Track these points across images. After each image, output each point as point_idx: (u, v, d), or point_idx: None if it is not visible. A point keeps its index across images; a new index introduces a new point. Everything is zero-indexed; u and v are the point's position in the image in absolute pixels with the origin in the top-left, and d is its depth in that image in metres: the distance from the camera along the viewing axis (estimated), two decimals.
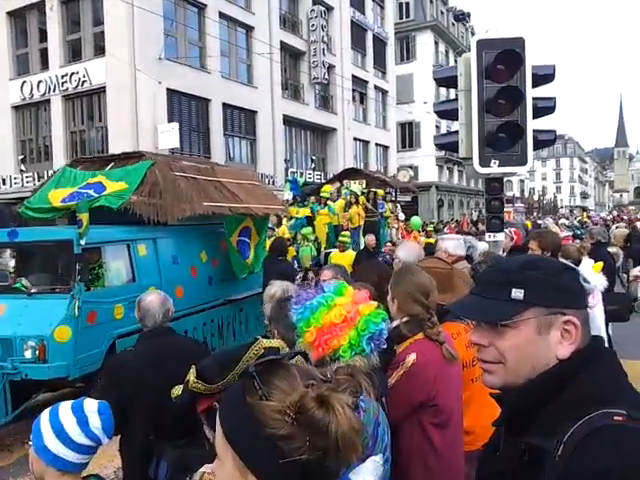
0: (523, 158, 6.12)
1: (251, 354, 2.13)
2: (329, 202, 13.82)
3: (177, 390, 2.28)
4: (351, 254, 10.05)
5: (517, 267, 1.18)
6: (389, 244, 14.30)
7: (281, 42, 25.18)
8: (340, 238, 10.85)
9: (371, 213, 14.66)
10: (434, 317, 2.43)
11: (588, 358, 1.10)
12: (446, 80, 7.41)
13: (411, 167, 37.55)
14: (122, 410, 3.13)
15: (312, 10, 27.17)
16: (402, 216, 17.76)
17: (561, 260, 4.66)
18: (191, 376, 2.01)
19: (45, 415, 1.85)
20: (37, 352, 5.39)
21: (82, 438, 1.80)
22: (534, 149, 6.26)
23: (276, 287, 3.19)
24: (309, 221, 13.36)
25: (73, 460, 1.80)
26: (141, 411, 3.15)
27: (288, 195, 14.70)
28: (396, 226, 16.32)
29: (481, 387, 2.65)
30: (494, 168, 6.09)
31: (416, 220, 16.81)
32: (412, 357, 2.27)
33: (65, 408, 1.85)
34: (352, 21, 30.89)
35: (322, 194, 14.08)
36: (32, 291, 5.87)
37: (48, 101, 20.92)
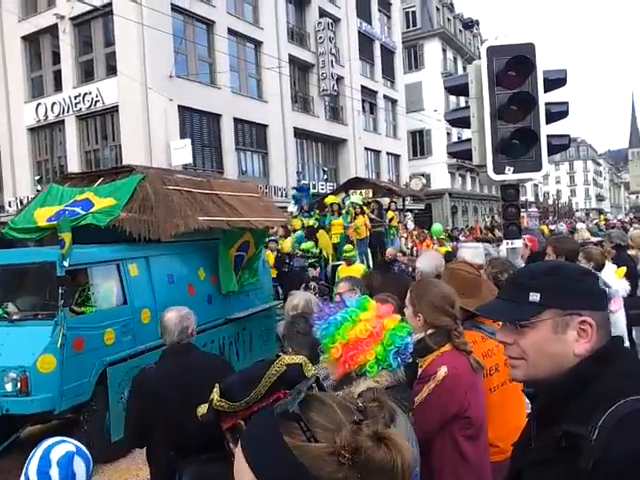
0: (538, 164, 6.07)
1: (273, 371, 2.12)
2: (343, 212, 13.48)
3: (203, 409, 2.27)
4: (359, 267, 9.75)
5: (536, 273, 1.32)
6: (399, 254, 14.26)
7: (290, 55, 25.38)
8: (344, 254, 10.40)
9: (376, 223, 14.33)
10: (460, 327, 2.41)
11: (609, 355, 1.20)
12: (457, 88, 7.40)
13: (423, 175, 37.56)
14: (145, 425, 3.15)
15: (319, 22, 27.38)
16: (411, 225, 17.50)
17: (583, 264, 4.62)
18: (215, 395, 2.01)
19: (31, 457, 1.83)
20: (19, 384, 4.92)
21: None
22: (549, 154, 6.21)
23: (298, 298, 3.16)
24: (310, 234, 12.84)
25: None
26: (162, 427, 3.16)
27: (292, 207, 14.26)
28: (405, 235, 15.99)
29: (499, 397, 2.63)
30: (509, 175, 6.05)
31: (437, 227, 16.40)
32: (443, 370, 2.24)
33: (37, 453, 1.81)
34: (359, 32, 31.06)
35: (333, 202, 13.72)
36: (14, 317, 5.43)
37: (62, 122, 21.25)
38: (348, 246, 10.70)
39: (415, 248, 15.82)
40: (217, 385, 2.07)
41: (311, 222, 13.13)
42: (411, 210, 35.20)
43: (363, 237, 13.23)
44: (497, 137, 5.97)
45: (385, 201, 15.35)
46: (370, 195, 15.79)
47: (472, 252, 4.15)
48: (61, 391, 5.07)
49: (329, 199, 14.10)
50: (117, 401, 5.52)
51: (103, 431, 5.47)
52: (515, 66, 5.72)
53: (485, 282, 3.03)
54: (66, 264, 5.16)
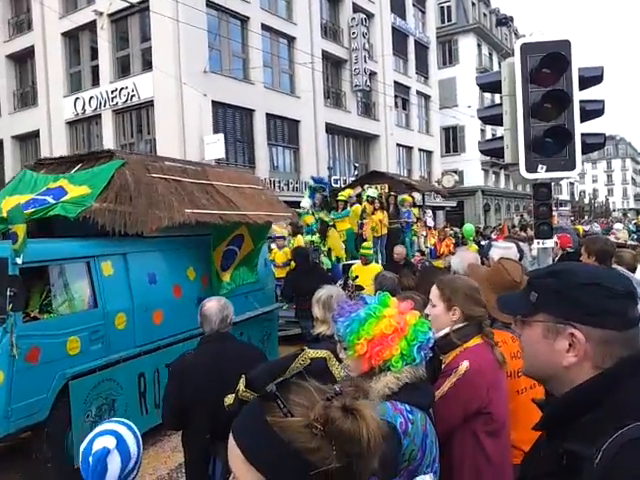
0: (571, 163, 5.96)
1: (297, 364, 2.18)
2: (348, 207, 12.47)
3: (230, 399, 2.35)
4: (376, 267, 8.91)
5: (543, 273, 1.30)
6: (418, 254, 13.23)
7: (323, 51, 25.38)
8: (362, 251, 9.48)
9: (393, 220, 13.38)
10: (487, 320, 2.44)
11: (619, 376, 1.12)
12: (490, 85, 7.30)
13: (456, 172, 37.16)
14: (183, 411, 3.26)
15: (353, 18, 27.30)
16: (431, 222, 16.43)
17: (615, 267, 4.54)
18: (241, 385, 2.08)
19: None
20: None
21: (80, 468, 1.86)
22: (583, 153, 6.08)
23: (322, 292, 3.23)
24: (323, 230, 11.67)
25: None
26: (198, 413, 3.27)
27: (306, 202, 13.04)
28: (424, 233, 15.00)
29: (526, 400, 2.62)
30: (541, 173, 5.95)
31: (469, 228, 15.73)
32: (465, 364, 2.26)
33: (89, 436, 1.91)
34: (393, 27, 30.85)
35: (340, 198, 12.65)
36: None
37: (99, 116, 21.70)
38: (367, 243, 9.86)
39: (435, 247, 15.13)
40: (243, 376, 2.14)
41: (327, 218, 12.13)
42: (442, 207, 34.91)
43: (380, 235, 12.37)
44: (530, 135, 5.88)
45: (407, 199, 14.15)
46: (386, 190, 14.50)
47: (501, 252, 4.11)
48: (7, 411, 4.31)
49: (343, 194, 13.24)
50: (82, 420, 4.80)
51: (63, 455, 4.76)
52: (550, 63, 5.62)
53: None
54: (19, 261, 4.47)
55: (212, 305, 3.43)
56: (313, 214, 12.07)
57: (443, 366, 2.37)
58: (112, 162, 5.96)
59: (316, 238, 10.67)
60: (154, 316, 5.79)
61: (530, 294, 1.25)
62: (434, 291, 2.56)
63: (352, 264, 9.53)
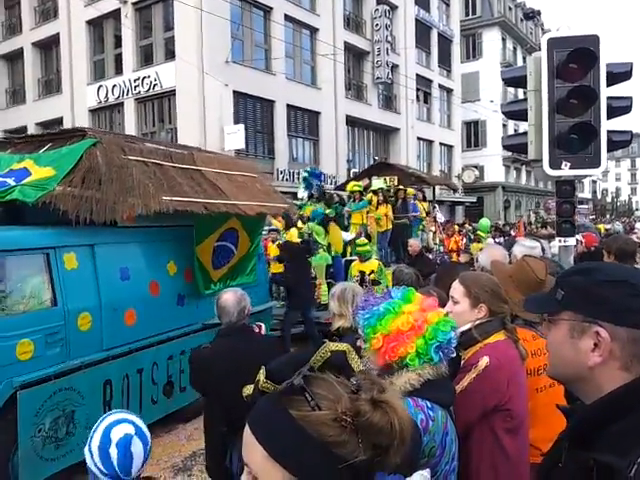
0: (596, 160, 5.88)
1: (318, 357, 2.18)
2: (364, 198, 11.78)
3: (248, 389, 2.36)
4: (374, 263, 8.55)
5: (570, 271, 1.30)
6: (423, 250, 12.43)
7: (345, 42, 25.25)
8: (357, 249, 8.88)
9: (400, 215, 12.61)
10: (508, 316, 2.44)
11: None
12: (515, 80, 7.22)
13: (476, 167, 36.86)
14: (205, 401, 3.32)
15: (376, 10, 27.09)
16: (441, 218, 15.76)
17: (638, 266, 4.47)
18: (261, 376, 2.09)
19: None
20: None
21: (100, 465, 1.82)
22: (608, 151, 5.99)
23: (336, 287, 3.26)
24: (325, 223, 11.06)
25: None
26: (215, 403, 3.31)
27: (302, 193, 12.38)
28: (433, 229, 14.34)
29: (546, 398, 2.61)
30: (565, 170, 5.88)
31: (485, 223, 15.20)
32: (485, 360, 2.25)
33: (99, 429, 1.88)
34: (417, 19, 30.56)
35: (355, 189, 11.96)
36: None
37: (122, 104, 21.88)
38: (361, 239, 9.25)
39: (443, 243, 14.57)
40: (263, 367, 2.15)
41: (328, 211, 11.48)
42: (462, 203, 34.66)
43: (384, 230, 11.71)
44: (555, 131, 5.81)
45: (410, 191, 13.35)
46: (395, 182, 13.84)
47: (521, 249, 4.06)
48: None
49: (351, 185, 12.63)
50: (32, 435, 4.18)
51: (7, 476, 4.24)
52: (577, 59, 5.53)
53: (549, 286, 2.99)
54: None
55: (229, 297, 3.42)
56: (311, 205, 11.63)
57: (463, 362, 2.36)
58: (82, 142, 5.26)
59: (318, 230, 10.05)
60: (125, 316, 5.16)
61: (557, 292, 1.23)
62: (457, 287, 2.52)
63: (354, 260, 9.16)
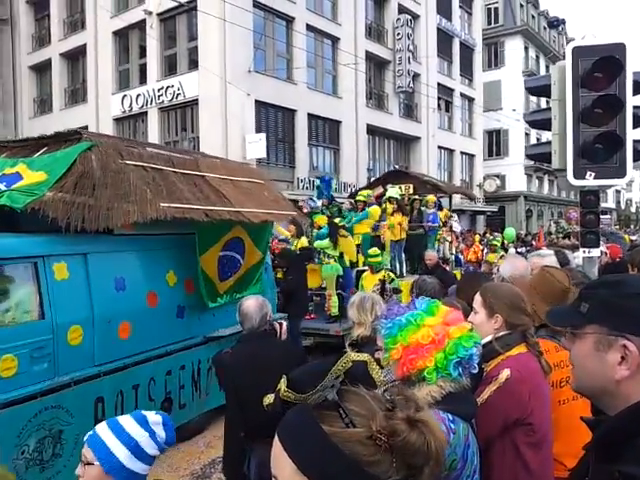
0: (621, 170, 5.80)
1: (339, 366, 2.18)
2: (367, 208, 11.14)
3: (269, 399, 2.37)
4: (383, 274, 8.23)
5: (595, 284, 1.27)
6: (440, 262, 11.58)
7: (366, 52, 25.31)
8: (369, 259, 8.58)
9: (415, 225, 12.14)
10: (532, 328, 2.40)
11: None
12: (538, 89, 7.17)
13: (498, 176, 36.55)
14: (227, 406, 3.35)
15: (398, 19, 27.11)
16: (458, 227, 15.21)
17: None
18: (282, 385, 2.10)
19: (110, 435, 1.84)
20: None
21: (155, 451, 1.84)
22: (634, 160, 5.91)
23: (355, 296, 3.28)
24: (333, 233, 10.61)
25: (143, 473, 1.84)
26: (235, 408, 3.33)
27: (315, 202, 11.70)
28: (449, 239, 13.84)
29: (568, 411, 2.56)
30: (589, 180, 5.81)
31: (510, 232, 14.73)
32: (506, 372, 2.22)
33: (130, 424, 1.86)
34: (438, 28, 30.52)
35: (359, 198, 11.38)
36: None
37: (145, 113, 22.18)
38: (374, 250, 8.77)
39: (461, 254, 14.04)
40: (284, 376, 2.16)
41: (337, 220, 10.83)
42: (483, 212, 34.37)
43: (398, 239, 11.18)
44: (579, 141, 5.74)
45: (430, 199, 12.80)
46: (411, 191, 13.40)
47: (540, 260, 4.01)
48: None
49: (362, 193, 12.04)
50: (14, 457, 3.94)
51: None
52: (602, 67, 5.47)
53: (573, 295, 2.94)
54: None
55: (251, 303, 3.46)
56: (323, 213, 11.12)
57: (484, 374, 2.33)
58: (77, 145, 5.04)
59: (324, 244, 9.55)
60: (120, 329, 4.92)
61: (581, 305, 1.22)
62: (477, 298, 2.52)
63: (365, 270, 8.92)
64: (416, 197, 13.01)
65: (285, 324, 3.67)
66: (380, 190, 13.22)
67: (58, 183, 4.69)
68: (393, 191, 11.89)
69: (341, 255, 9.85)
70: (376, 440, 0.87)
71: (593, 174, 5.76)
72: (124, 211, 4.78)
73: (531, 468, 2.21)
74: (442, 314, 1.85)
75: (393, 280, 8.16)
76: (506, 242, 13.92)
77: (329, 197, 11.76)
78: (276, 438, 0.93)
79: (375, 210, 11.03)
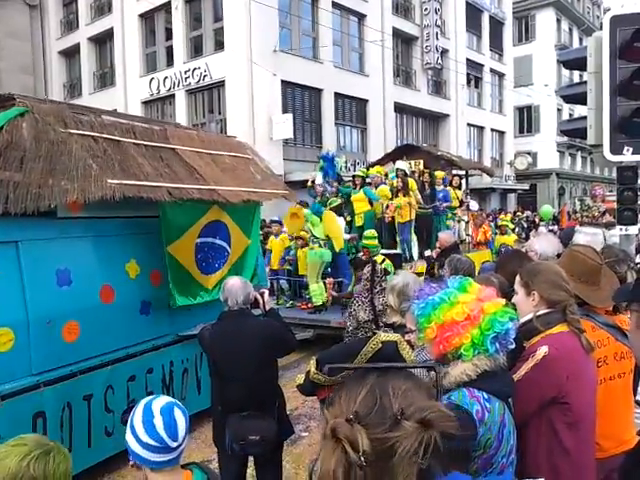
0: None
1: (369, 348, 2.17)
2: (373, 189, 10.24)
3: (300, 379, 2.37)
4: (380, 259, 7.36)
5: None
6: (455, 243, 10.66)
7: (393, 28, 24.89)
8: (364, 241, 7.84)
9: (426, 205, 11.00)
10: (574, 305, 2.33)
11: None
12: (573, 62, 6.96)
13: (529, 153, 35.78)
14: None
15: None
16: (475, 206, 14.39)
17: None
18: (312, 367, 2.09)
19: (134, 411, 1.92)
20: None
21: (146, 437, 1.83)
22: None
23: (398, 279, 3.13)
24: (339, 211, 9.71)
25: (149, 458, 1.84)
26: (215, 383, 3.47)
27: (319, 178, 10.60)
28: (466, 219, 12.97)
29: (605, 392, 2.50)
30: (627, 156, 5.64)
31: (547, 209, 14.12)
32: (544, 349, 2.17)
33: (139, 407, 1.89)
34: (467, 2, 29.77)
35: (357, 174, 10.51)
36: None
37: (173, 96, 22.29)
38: (370, 232, 8.02)
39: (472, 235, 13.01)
40: (314, 358, 2.15)
41: (335, 204, 10.07)
42: (514, 190, 33.77)
43: (406, 220, 9.99)
44: (616, 115, 5.57)
45: (439, 175, 11.71)
46: (421, 166, 12.17)
47: (590, 239, 3.91)
48: None
49: (373, 170, 11.27)
50: None
51: None
52: None
53: (606, 272, 2.86)
54: None
55: (236, 282, 3.50)
56: (336, 199, 10.33)
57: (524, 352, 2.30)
58: (7, 111, 4.18)
59: (313, 217, 8.81)
60: (65, 330, 4.17)
61: (632, 284, 1.25)
62: (517, 278, 2.50)
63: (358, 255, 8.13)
64: (425, 171, 11.88)
65: (267, 293, 3.67)
66: (390, 166, 12.23)
67: None
68: (402, 164, 11.01)
69: (328, 239, 8.92)
70: None
71: (631, 149, 5.59)
72: (61, 189, 3.94)
73: (568, 447, 2.17)
74: (475, 291, 1.82)
75: (384, 260, 7.53)
76: (543, 221, 13.36)
77: (335, 176, 10.77)
78: None
79: (384, 190, 10.28)
